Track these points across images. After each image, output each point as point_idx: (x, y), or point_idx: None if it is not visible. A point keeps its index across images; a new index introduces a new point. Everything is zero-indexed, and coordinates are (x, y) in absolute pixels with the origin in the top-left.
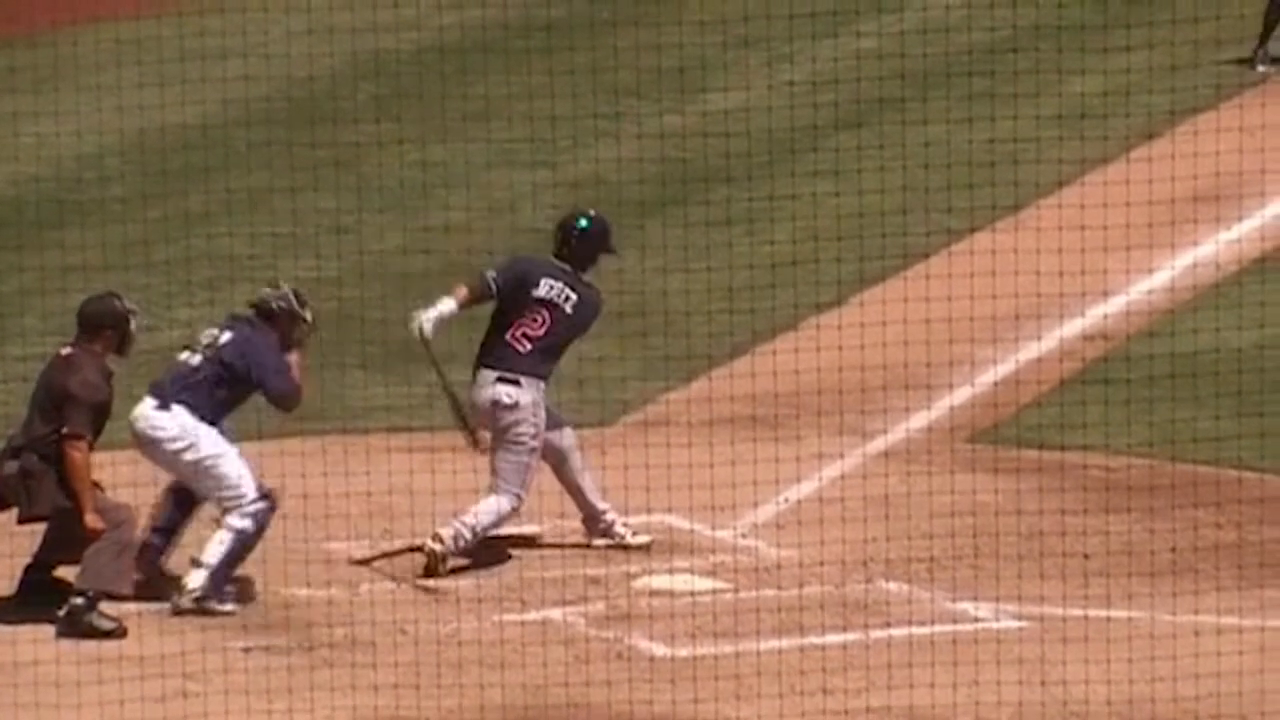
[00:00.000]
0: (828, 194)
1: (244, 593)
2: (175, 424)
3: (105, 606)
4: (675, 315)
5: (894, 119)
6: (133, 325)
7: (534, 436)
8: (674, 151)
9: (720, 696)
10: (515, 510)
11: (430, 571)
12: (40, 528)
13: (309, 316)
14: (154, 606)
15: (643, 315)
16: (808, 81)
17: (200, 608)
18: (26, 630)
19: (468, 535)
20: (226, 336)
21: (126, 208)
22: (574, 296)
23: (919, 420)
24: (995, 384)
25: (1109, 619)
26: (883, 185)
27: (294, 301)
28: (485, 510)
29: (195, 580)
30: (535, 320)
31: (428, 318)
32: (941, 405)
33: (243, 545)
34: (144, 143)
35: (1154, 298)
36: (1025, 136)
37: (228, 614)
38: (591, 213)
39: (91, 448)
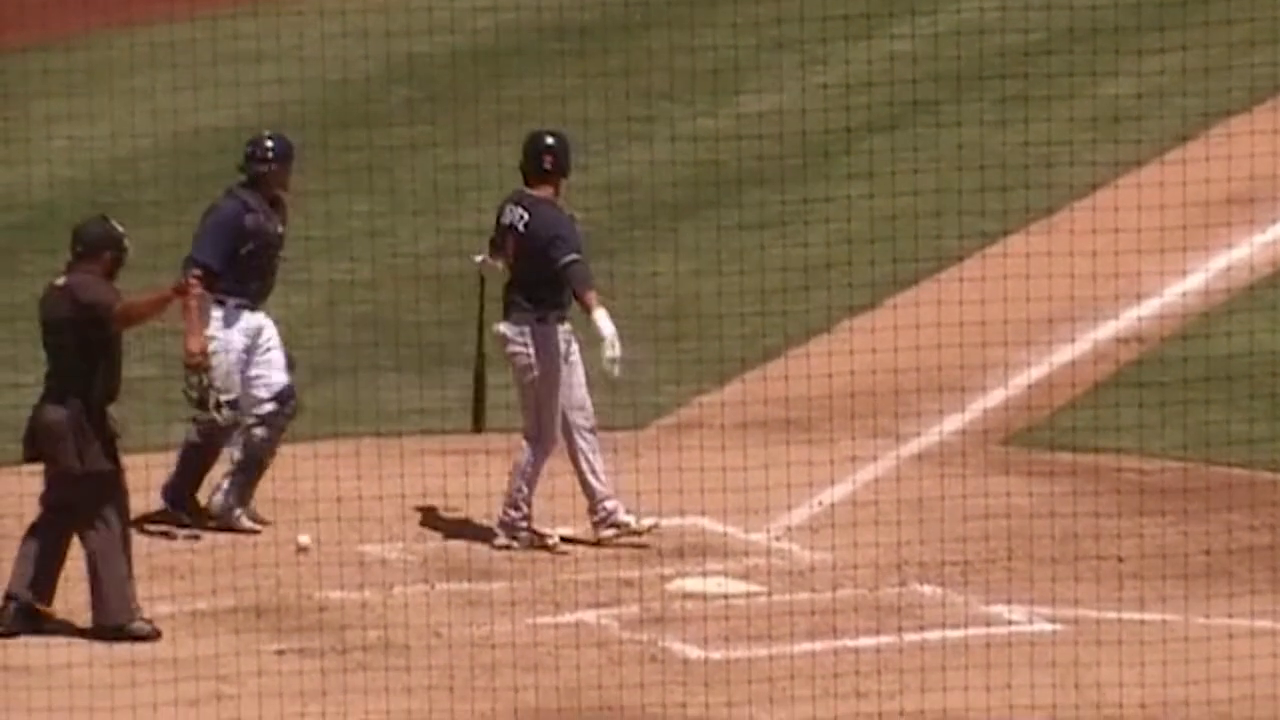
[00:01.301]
0: (861, 196)
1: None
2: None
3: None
4: (708, 318)
5: (928, 121)
6: (128, 247)
7: (529, 369)
8: (707, 154)
9: (754, 699)
10: (540, 455)
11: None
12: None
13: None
14: (187, 608)
15: (675, 318)
16: (841, 84)
17: (224, 522)
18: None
19: (514, 513)
20: None
21: (160, 210)
22: (526, 215)
23: (952, 423)
24: (1029, 387)
25: (1143, 622)
26: (916, 188)
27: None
28: (515, 475)
29: (218, 495)
30: (509, 251)
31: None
32: (975, 408)
33: (253, 451)
34: (178, 146)
35: (1188, 300)
36: (1059, 139)
37: (250, 530)
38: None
39: (117, 383)
